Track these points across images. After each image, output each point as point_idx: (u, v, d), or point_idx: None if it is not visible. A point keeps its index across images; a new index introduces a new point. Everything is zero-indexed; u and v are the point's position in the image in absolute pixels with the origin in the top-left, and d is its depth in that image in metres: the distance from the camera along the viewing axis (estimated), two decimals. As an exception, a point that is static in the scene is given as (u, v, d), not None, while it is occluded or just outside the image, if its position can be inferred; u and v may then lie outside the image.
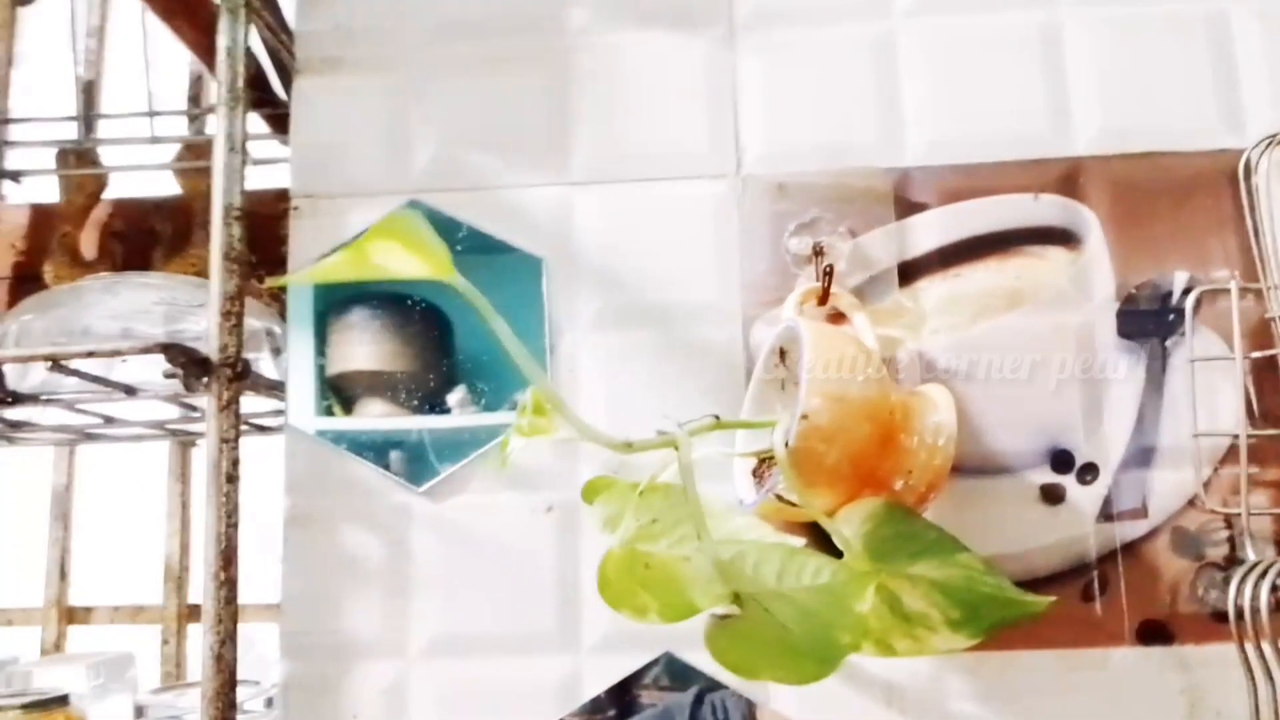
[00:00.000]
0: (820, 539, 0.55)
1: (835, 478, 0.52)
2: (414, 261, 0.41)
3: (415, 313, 0.70)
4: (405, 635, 0.62)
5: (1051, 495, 0.61)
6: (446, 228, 0.66)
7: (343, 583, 0.63)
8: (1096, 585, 0.60)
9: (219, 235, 0.63)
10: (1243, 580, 0.55)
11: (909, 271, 0.64)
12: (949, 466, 0.55)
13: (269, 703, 0.78)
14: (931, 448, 0.55)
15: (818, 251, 0.64)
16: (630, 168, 0.66)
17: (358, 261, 0.40)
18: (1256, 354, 0.60)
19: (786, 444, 0.51)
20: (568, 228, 0.66)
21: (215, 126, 0.64)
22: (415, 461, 0.65)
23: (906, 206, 0.65)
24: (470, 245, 0.66)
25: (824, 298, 0.61)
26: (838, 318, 0.62)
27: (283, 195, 0.69)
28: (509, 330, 0.44)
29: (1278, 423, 0.60)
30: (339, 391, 0.69)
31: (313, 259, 0.66)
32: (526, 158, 0.67)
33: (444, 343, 0.70)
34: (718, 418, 0.50)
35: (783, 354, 0.60)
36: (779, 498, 0.53)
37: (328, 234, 0.67)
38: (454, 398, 0.68)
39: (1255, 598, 0.54)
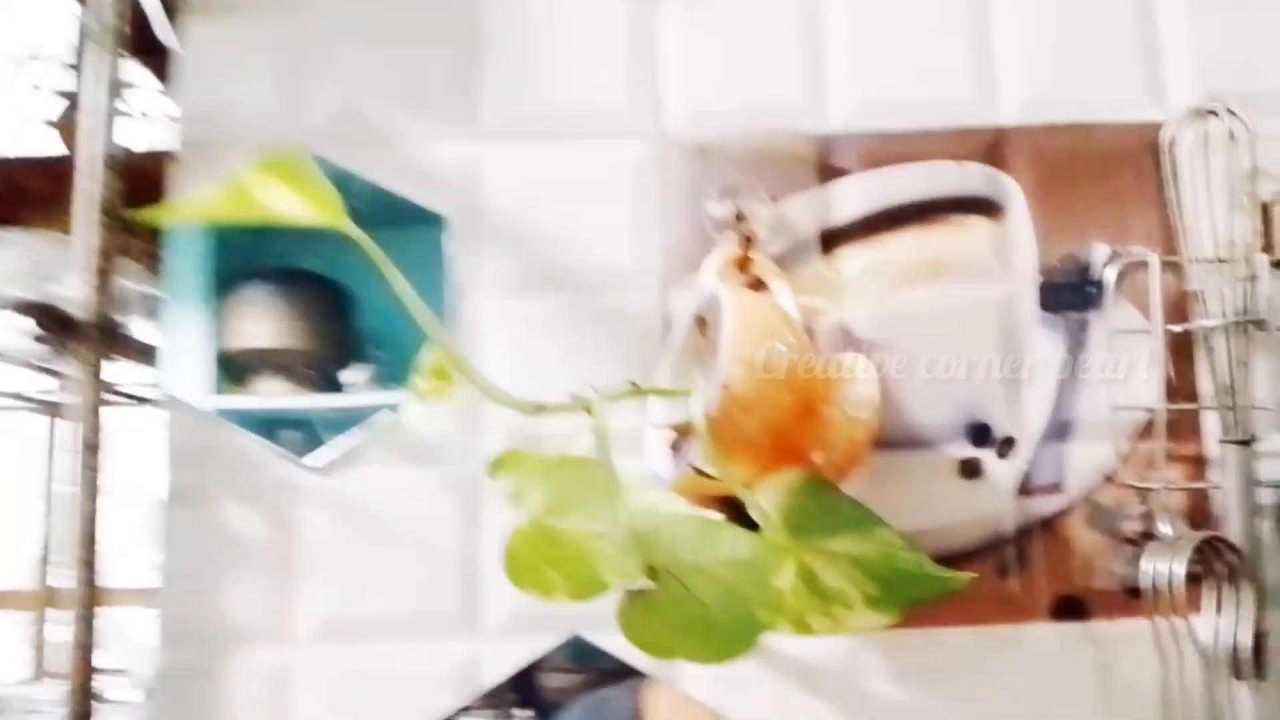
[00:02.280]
0: (738, 515, 0.53)
1: (754, 449, 0.50)
2: (302, 205, 0.37)
3: (313, 288, 0.66)
4: (291, 619, 0.58)
5: (970, 469, 0.60)
6: (343, 182, 0.60)
7: (225, 563, 0.58)
8: (1014, 561, 0.59)
9: (88, 185, 0.57)
10: (1157, 555, 0.55)
11: (831, 239, 0.62)
12: (870, 440, 0.53)
13: (146, 693, 0.73)
14: (853, 420, 0.53)
15: (739, 217, 0.61)
16: (544, 123, 0.62)
17: (239, 200, 0.36)
18: (1175, 327, 0.59)
19: (705, 414, 0.48)
20: (475, 185, 0.62)
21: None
22: (307, 438, 0.61)
23: (829, 172, 0.62)
24: (369, 201, 0.61)
25: (744, 264, 0.59)
26: (758, 285, 0.60)
27: (165, 156, 0.63)
28: (407, 285, 0.41)
29: (1190, 398, 0.60)
30: (232, 368, 0.65)
31: (195, 213, 0.61)
32: (432, 109, 0.62)
33: (343, 319, 0.66)
34: (635, 384, 0.47)
35: (702, 323, 0.58)
36: (696, 470, 0.50)
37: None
38: (349, 375, 0.64)
39: (1171, 573, 0.54)
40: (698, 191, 0.62)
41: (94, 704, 0.52)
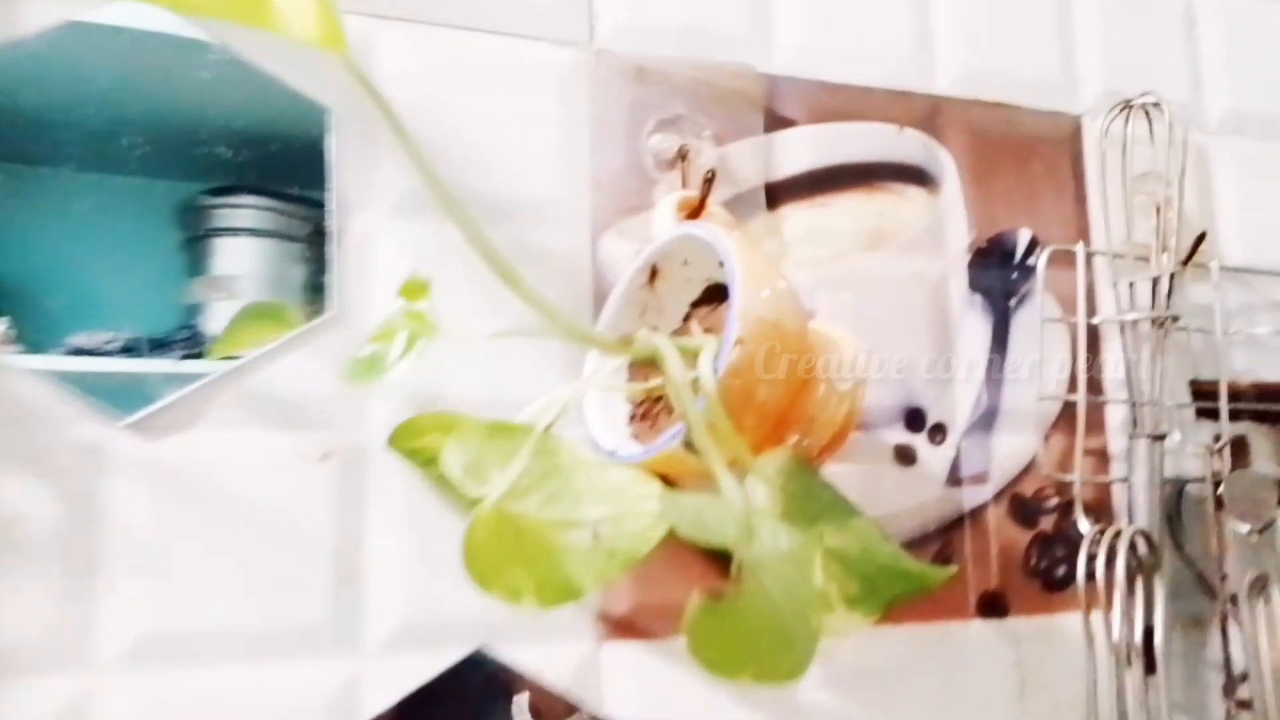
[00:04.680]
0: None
1: (758, 420, 0.42)
2: (312, 17, 0.24)
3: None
4: (91, 636, 0.41)
5: (904, 455, 0.56)
6: (190, 47, 0.45)
7: (-16, 559, 0.40)
8: (944, 554, 0.56)
9: None
10: (1093, 547, 0.54)
11: (774, 194, 0.55)
12: (856, 417, 0.47)
13: None
14: (840, 396, 0.46)
15: (683, 155, 0.53)
16: (455, 7, 0.50)
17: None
18: (1097, 319, 0.59)
19: (716, 376, 0.39)
20: (367, 73, 0.48)
21: None
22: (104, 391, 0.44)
23: (774, 120, 0.56)
24: (225, 74, 0.46)
25: (698, 209, 0.50)
26: (706, 236, 0.52)
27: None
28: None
29: (1094, 390, 0.60)
30: None
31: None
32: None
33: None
34: (655, 327, 0.37)
35: (653, 273, 0.49)
36: (688, 445, 0.41)
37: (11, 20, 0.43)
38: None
39: (1109, 566, 0.52)
40: (636, 120, 0.53)
41: None
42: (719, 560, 0.50)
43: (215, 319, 0.49)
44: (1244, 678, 0.59)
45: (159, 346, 0.47)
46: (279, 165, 0.49)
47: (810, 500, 0.45)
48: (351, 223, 0.47)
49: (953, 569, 0.47)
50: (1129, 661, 0.53)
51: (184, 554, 0.43)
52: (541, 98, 0.51)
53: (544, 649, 0.47)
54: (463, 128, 0.50)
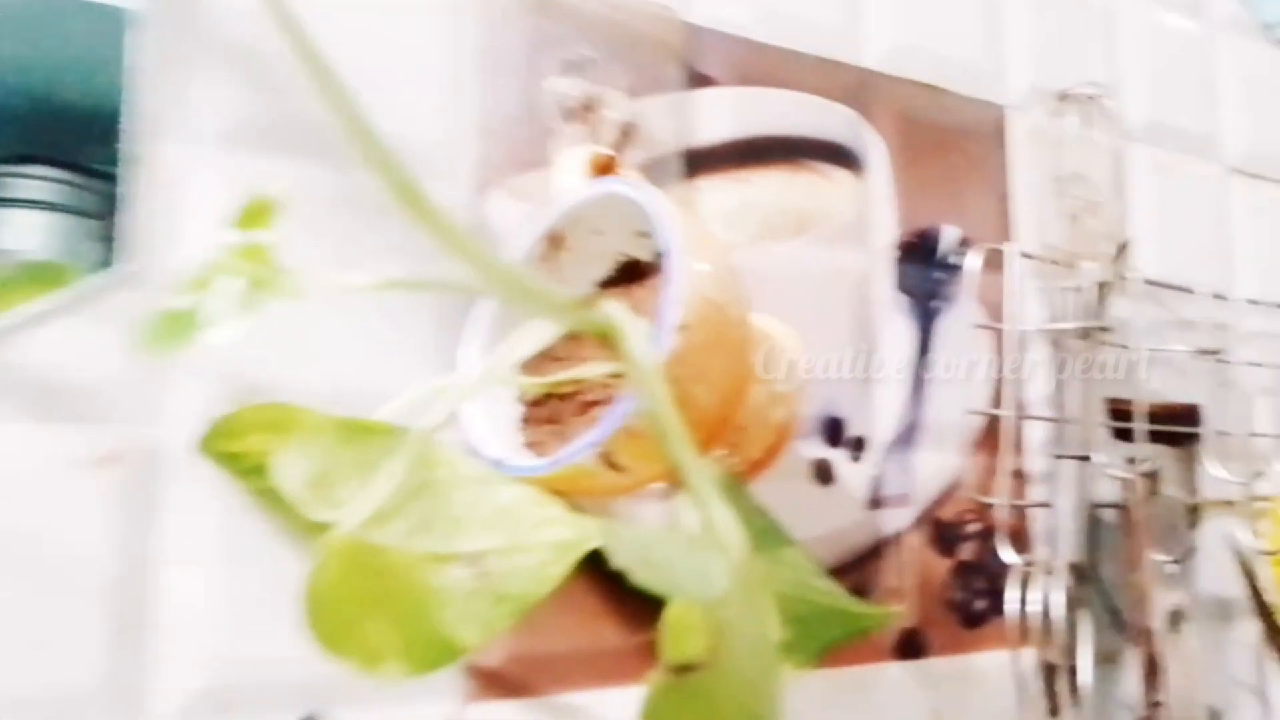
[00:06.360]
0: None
1: (697, 425, 0.33)
2: None
3: None
4: None
5: (823, 473, 0.48)
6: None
7: None
8: (861, 587, 0.49)
9: None
10: (1026, 582, 0.48)
11: (691, 163, 0.47)
12: (790, 434, 0.39)
13: None
14: (775, 403, 0.39)
15: (588, 106, 0.44)
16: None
17: None
18: (1029, 327, 0.54)
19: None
20: (192, -34, 0.37)
21: None
22: None
23: (694, 77, 0.47)
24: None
25: (608, 167, 0.41)
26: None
27: None
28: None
29: (1020, 404, 0.55)
30: None
31: None
32: None
33: None
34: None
35: (556, 242, 0.39)
36: (607, 460, 0.32)
37: None
38: None
39: (1046, 602, 0.47)
40: (536, 59, 0.43)
41: None
42: (617, 599, 0.41)
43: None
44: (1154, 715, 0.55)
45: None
46: (77, 135, 0.38)
47: (744, 527, 0.37)
48: (159, 151, 0.36)
49: (898, 610, 0.40)
50: (1057, 707, 0.48)
51: (-113, 592, 0.30)
52: (421, 21, 0.41)
53: (395, 712, 0.37)
54: (322, 51, 0.39)
